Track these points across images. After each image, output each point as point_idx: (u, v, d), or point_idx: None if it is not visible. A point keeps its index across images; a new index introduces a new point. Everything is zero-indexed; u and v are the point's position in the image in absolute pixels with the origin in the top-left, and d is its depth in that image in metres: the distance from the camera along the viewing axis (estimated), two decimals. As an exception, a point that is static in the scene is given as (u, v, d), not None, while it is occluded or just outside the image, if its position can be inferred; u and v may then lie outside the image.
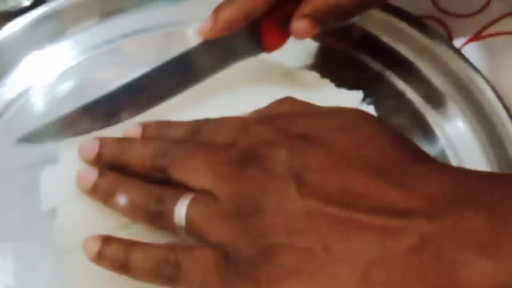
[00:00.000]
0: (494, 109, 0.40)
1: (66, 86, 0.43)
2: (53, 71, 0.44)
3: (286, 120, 0.31)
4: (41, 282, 0.33)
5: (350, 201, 0.26)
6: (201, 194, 0.30)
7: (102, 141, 0.34)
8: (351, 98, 0.40)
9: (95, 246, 0.30)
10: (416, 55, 0.44)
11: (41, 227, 0.35)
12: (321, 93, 0.40)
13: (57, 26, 0.45)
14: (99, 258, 0.30)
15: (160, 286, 0.29)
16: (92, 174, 0.33)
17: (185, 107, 0.38)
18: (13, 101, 0.42)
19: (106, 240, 0.31)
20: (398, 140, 0.29)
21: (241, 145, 0.31)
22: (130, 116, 0.37)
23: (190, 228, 0.29)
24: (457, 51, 0.43)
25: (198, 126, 0.34)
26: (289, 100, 0.34)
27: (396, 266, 0.24)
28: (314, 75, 0.42)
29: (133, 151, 0.33)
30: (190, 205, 0.29)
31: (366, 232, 0.25)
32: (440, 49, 0.43)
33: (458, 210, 0.24)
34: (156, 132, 0.35)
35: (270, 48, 0.39)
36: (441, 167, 0.29)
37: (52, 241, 0.34)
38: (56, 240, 0.34)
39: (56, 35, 0.45)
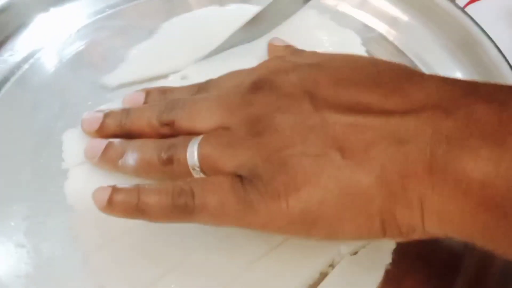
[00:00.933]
0: (497, 67, 0.39)
1: (71, 49, 0.43)
2: (57, 35, 0.44)
3: (294, 55, 0.32)
4: (52, 241, 0.33)
5: (362, 108, 0.26)
6: (214, 132, 0.30)
7: (106, 112, 0.35)
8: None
9: (105, 195, 0.29)
10: (418, 14, 0.44)
11: (50, 187, 0.35)
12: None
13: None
14: (110, 206, 0.29)
15: (176, 221, 0.29)
16: (100, 143, 0.33)
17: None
18: (19, 64, 0.42)
19: (116, 188, 0.29)
20: (403, 64, 0.30)
21: (249, 79, 0.31)
22: None
23: (204, 163, 0.29)
24: (461, 9, 0.42)
25: (201, 85, 0.34)
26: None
27: (410, 161, 0.25)
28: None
29: (139, 113, 0.33)
30: (202, 141, 0.29)
31: (381, 132, 0.25)
32: (444, 8, 0.43)
33: (470, 103, 0.25)
34: (159, 98, 0.35)
35: None
36: (450, 78, 0.29)
37: (62, 200, 0.34)
38: (66, 200, 0.34)
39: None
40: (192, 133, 0.30)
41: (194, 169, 0.30)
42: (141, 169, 0.32)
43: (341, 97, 0.27)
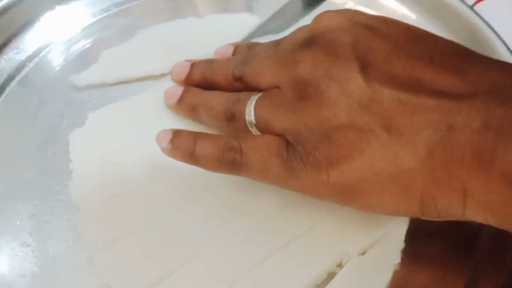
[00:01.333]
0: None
1: (77, 47, 0.43)
2: (63, 33, 0.44)
3: (354, 12, 0.31)
4: (57, 240, 0.33)
5: (414, 85, 0.26)
6: (269, 91, 0.30)
7: (193, 62, 0.36)
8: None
9: (168, 136, 0.31)
10: (428, 13, 0.44)
11: (56, 186, 0.35)
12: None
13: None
14: (171, 147, 0.31)
15: (225, 173, 0.30)
16: (177, 90, 0.35)
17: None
18: (25, 62, 0.42)
19: (177, 132, 0.31)
20: (458, 43, 0.29)
21: (303, 35, 0.31)
22: None
23: (258, 121, 0.30)
24: (469, 7, 0.42)
25: (279, 40, 0.34)
26: None
27: (458, 147, 0.24)
28: None
29: (219, 65, 0.35)
30: (257, 101, 0.30)
31: (431, 114, 0.25)
32: (453, 6, 0.43)
33: None
34: (244, 52, 0.36)
35: None
36: (497, 60, 0.28)
37: (67, 199, 0.34)
38: (72, 199, 0.34)
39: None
40: (256, 90, 0.31)
41: (251, 127, 0.30)
42: (209, 121, 0.33)
43: (394, 70, 0.26)
